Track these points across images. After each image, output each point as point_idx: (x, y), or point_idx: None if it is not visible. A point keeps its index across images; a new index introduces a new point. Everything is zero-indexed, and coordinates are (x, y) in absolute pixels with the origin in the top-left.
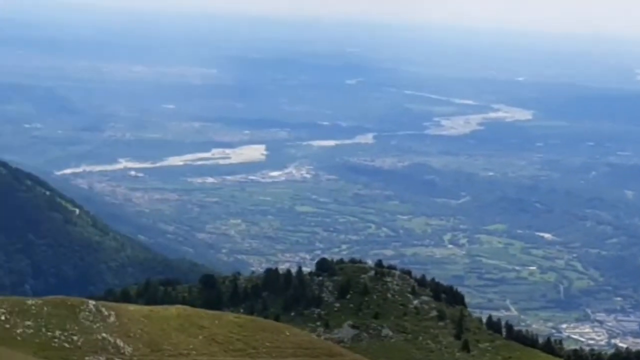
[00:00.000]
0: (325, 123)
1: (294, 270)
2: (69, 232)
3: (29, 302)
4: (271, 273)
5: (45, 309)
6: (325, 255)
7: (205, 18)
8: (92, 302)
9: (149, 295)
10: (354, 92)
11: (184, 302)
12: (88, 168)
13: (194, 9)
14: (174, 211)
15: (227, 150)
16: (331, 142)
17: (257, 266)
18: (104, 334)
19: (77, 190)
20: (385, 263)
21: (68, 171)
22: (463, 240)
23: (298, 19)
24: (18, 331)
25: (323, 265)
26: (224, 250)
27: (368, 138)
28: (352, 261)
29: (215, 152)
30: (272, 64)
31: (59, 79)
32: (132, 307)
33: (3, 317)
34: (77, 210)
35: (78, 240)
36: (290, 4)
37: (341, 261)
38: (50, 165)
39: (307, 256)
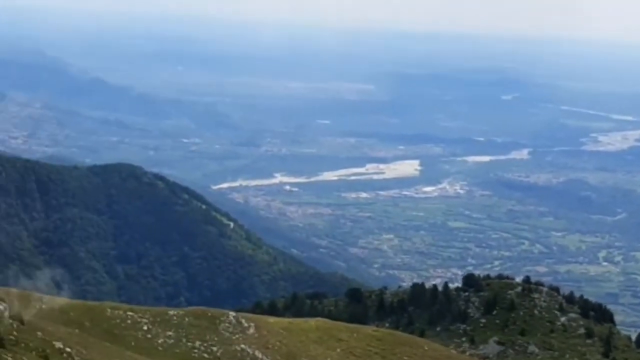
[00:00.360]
0: (480, 139)
1: (440, 285)
2: (223, 246)
3: (171, 312)
4: (417, 288)
5: (187, 319)
6: (478, 271)
7: (361, 34)
8: (232, 314)
9: (295, 308)
10: (510, 107)
11: (329, 315)
12: (244, 182)
13: (350, 25)
14: (327, 225)
15: (381, 166)
16: (486, 158)
17: (409, 281)
18: (242, 346)
19: (232, 204)
20: (538, 280)
21: (225, 185)
22: (618, 258)
23: (454, 34)
24: (159, 341)
25: (470, 281)
26: (375, 265)
27: (523, 154)
28: (499, 277)
29: (370, 167)
30: (428, 80)
31: (218, 94)
32: (272, 319)
33: (145, 327)
34: (232, 224)
35: (232, 253)
36: (449, 19)
37: (488, 277)
38: (208, 180)
39: (459, 272)
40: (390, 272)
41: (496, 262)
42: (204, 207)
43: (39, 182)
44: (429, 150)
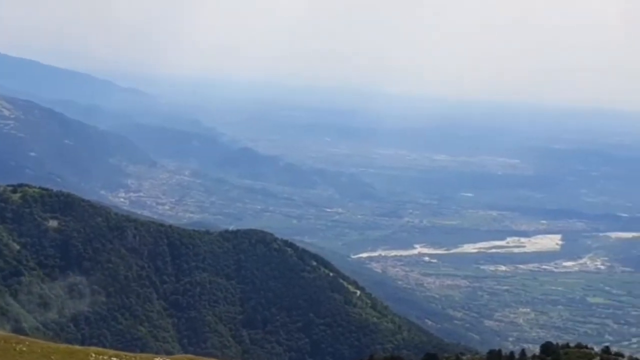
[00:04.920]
0: (624, 214)
1: (517, 352)
2: (348, 313)
3: (157, 358)
4: (494, 354)
5: None
6: (615, 348)
7: (508, 109)
8: None
9: None
10: None
11: None
12: (383, 252)
13: (498, 99)
14: (463, 297)
15: (522, 239)
16: (629, 234)
17: None
18: None
19: (370, 274)
20: None
21: (364, 255)
22: None
23: (605, 111)
24: None
25: (547, 349)
26: (510, 339)
27: None
28: (579, 346)
29: (510, 240)
30: (575, 155)
31: (363, 166)
32: None
33: None
34: (358, 292)
35: (356, 321)
36: (599, 95)
37: (567, 345)
38: (348, 249)
39: (595, 348)
40: (525, 345)
41: (634, 340)
42: (331, 274)
43: (171, 246)
44: (571, 225)
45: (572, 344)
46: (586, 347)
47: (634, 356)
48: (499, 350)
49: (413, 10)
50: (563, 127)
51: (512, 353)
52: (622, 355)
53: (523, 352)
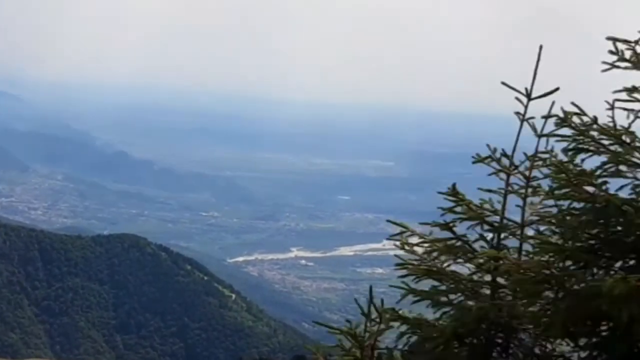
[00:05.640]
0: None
1: None
2: (223, 317)
3: None
4: None
5: None
6: None
7: (390, 113)
8: None
9: None
10: None
11: None
12: (260, 256)
13: (379, 103)
14: (340, 300)
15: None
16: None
17: None
18: None
19: (246, 277)
20: None
21: (240, 259)
22: None
23: (488, 116)
24: None
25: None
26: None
27: None
28: None
29: (386, 243)
30: (452, 158)
31: (240, 169)
32: None
33: None
34: (234, 296)
35: (231, 324)
36: (484, 100)
37: None
38: (224, 253)
39: None
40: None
41: None
42: (206, 278)
43: (42, 251)
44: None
45: None
46: None
47: None
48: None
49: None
50: (443, 132)
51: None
52: None
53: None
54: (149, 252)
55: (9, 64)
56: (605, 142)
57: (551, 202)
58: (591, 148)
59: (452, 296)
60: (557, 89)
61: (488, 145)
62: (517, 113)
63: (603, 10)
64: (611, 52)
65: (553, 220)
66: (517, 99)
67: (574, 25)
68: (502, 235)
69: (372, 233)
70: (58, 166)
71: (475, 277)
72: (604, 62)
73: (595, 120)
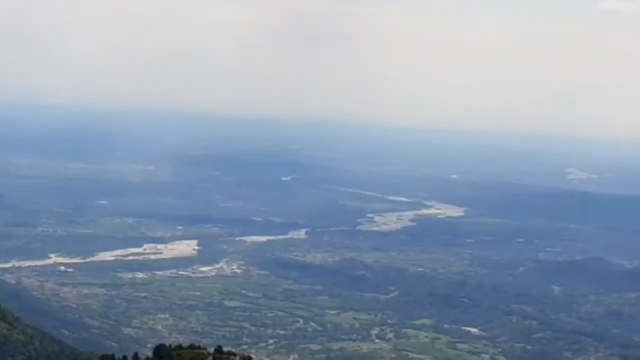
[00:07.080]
0: (258, 219)
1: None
2: None
3: None
4: (107, 357)
5: None
6: (252, 350)
7: (143, 115)
8: None
9: None
10: (289, 188)
11: None
12: (17, 263)
13: (131, 105)
14: (101, 306)
15: (159, 246)
16: (263, 238)
17: None
18: None
19: (3, 285)
20: (311, 357)
21: None
22: (390, 335)
23: (246, 118)
24: None
25: (160, 351)
26: (149, 345)
27: (301, 234)
28: (191, 347)
29: (147, 247)
30: (209, 161)
31: None
32: None
33: None
34: None
35: None
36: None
37: (180, 347)
38: None
39: (234, 350)
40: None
41: (271, 341)
42: None
43: None
44: (207, 230)
45: (185, 345)
46: (199, 347)
47: (271, 357)
48: (112, 355)
49: None
50: (196, 134)
51: (124, 357)
52: (234, 355)
53: (136, 355)
54: None
55: None
56: None
57: None
58: None
59: None
60: None
61: None
62: None
63: None
64: None
65: None
66: None
67: None
68: None
69: (133, 237)
70: None
71: None
72: None
73: None
